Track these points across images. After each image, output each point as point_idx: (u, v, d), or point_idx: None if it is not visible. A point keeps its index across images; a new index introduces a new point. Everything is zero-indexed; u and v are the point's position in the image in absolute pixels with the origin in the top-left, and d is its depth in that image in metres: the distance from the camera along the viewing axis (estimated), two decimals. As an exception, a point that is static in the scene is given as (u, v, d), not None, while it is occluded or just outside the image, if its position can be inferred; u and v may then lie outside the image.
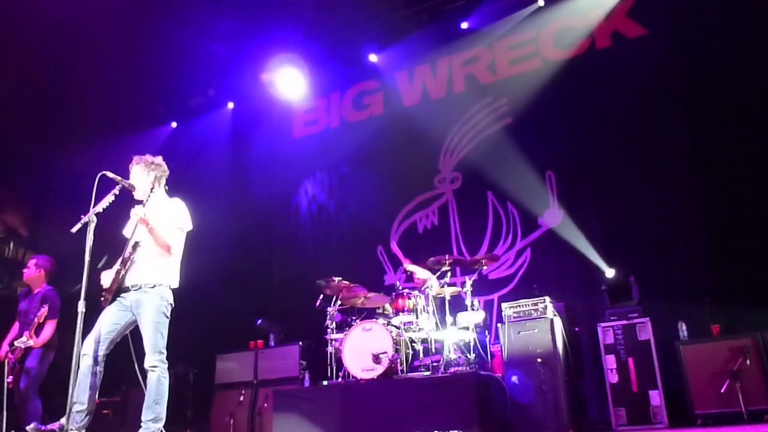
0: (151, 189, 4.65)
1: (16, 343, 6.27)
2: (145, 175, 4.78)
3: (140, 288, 4.55)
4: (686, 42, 7.10)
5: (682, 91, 7.09)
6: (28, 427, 4.27)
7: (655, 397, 5.70)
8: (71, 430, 4.15)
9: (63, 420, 4.12)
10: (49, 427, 4.28)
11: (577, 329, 6.73)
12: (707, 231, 6.67)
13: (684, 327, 6.03)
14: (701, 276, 6.58)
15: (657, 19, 7.41)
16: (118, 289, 4.57)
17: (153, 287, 4.55)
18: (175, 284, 4.73)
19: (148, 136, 9.86)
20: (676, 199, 6.90)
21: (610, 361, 5.99)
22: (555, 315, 6.17)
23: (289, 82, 9.40)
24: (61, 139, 8.37)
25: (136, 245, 4.59)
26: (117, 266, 4.58)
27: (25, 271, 6.65)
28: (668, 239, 6.84)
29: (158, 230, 4.56)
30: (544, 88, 7.89)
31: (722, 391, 5.47)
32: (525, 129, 7.93)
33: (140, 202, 4.64)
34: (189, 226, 4.81)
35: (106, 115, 8.68)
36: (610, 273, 6.79)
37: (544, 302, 6.17)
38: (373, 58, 9.19)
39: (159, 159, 4.92)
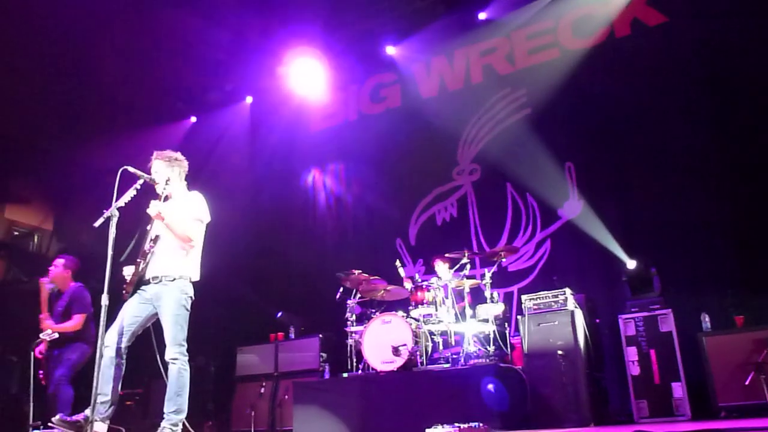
0: (167, 182, 4.69)
1: (41, 335, 6.36)
2: (170, 170, 4.82)
3: (160, 281, 4.59)
4: (708, 29, 6.97)
5: (705, 80, 6.98)
6: (53, 419, 4.34)
7: (678, 390, 5.65)
8: (95, 421, 4.21)
9: (87, 411, 4.18)
10: (74, 418, 4.34)
11: (597, 321, 6.69)
12: (731, 221, 6.58)
13: (707, 318, 5.96)
14: (725, 266, 6.49)
15: (678, 6, 7.30)
16: (139, 281, 4.62)
17: (173, 280, 4.59)
18: (196, 277, 4.76)
19: (168, 131, 9.93)
20: (698, 189, 6.81)
21: (631, 353, 5.94)
22: (575, 307, 6.13)
23: (306, 75, 9.41)
24: (84, 135, 8.45)
25: (156, 238, 4.63)
26: (138, 259, 4.63)
27: (51, 269, 6.70)
28: (691, 230, 6.74)
29: (175, 225, 4.60)
30: (563, 78, 7.81)
31: (746, 383, 5.41)
32: (544, 120, 7.87)
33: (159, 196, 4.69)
34: (208, 217, 4.84)
35: (126, 110, 8.75)
36: (631, 264, 6.73)
37: (565, 294, 6.13)
38: (390, 50, 9.17)
39: (179, 155, 4.96)
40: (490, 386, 5.50)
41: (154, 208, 4.54)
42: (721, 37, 6.86)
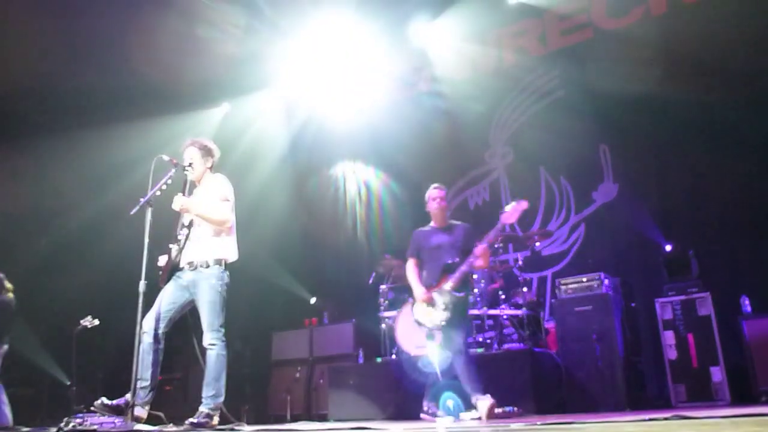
0: (189, 164, 4.74)
1: (82, 322, 6.50)
2: (204, 161, 4.88)
3: (196, 267, 4.66)
4: (750, 5, 6.74)
5: (745, 58, 6.77)
6: (95, 403, 4.44)
7: (717, 374, 5.56)
8: (136, 405, 4.30)
9: (128, 396, 4.28)
10: (116, 402, 4.44)
11: (633, 305, 6.61)
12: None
13: (747, 301, 5.85)
14: (764, 248, 6.34)
15: (716, -18, 7.08)
16: (174, 267, 4.69)
17: (208, 267, 4.65)
18: (233, 258, 4.81)
19: (202, 117, 10.01)
20: (738, 170, 6.62)
21: (668, 337, 5.86)
22: (611, 291, 6.07)
23: (337, 60, 9.40)
24: (118, 122, 8.56)
25: (190, 224, 4.70)
26: (170, 245, 4.71)
27: None
28: (729, 211, 6.60)
29: (205, 213, 4.66)
30: (596, 59, 7.66)
31: (788, 367, 5.30)
32: (577, 102, 7.74)
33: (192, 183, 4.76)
34: (233, 197, 4.88)
35: (160, 97, 8.84)
36: (668, 247, 6.62)
37: (599, 278, 6.07)
38: (421, 33, 9.08)
39: (212, 143, 5.01)
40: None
41: (177, 202, 4.60)
42: (764, 13, 6.63)
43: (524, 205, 5.19)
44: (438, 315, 5.15)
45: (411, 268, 5.54)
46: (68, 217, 9.11)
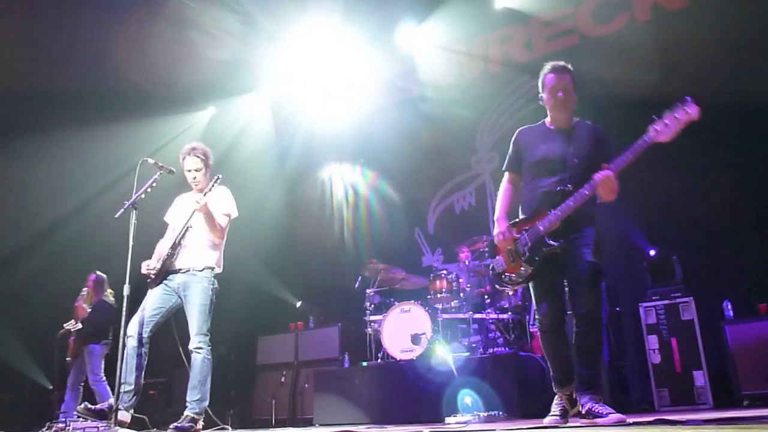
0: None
1: (65, 326, 6.45)
2: (203, 166, 4.85)
3: (188, 271, 4.66)
4: (733, 13, 6.81)
5: (729, 66, 6.83)
6: (78, 408, 4.42)
7: (700, 378, 5.61)
8: (120, 409, 4.27)
9: (111, 400, 4.25)
10: (99, 407, 4.41)
11: (618, 309, 6.65)
12: (753, 207, 6.49)
13: (729, 306, 5.90)
14: (747, 253, 6.41)
15: (700, -10, 7.16)
16: (166, 271, 4.68)
17: (201, 270, 4.67)
18: (219, 270, 4.82)
19: (188, 120, 9.97)
20: (720, 176, 6.69)
21: (652, 342, 5.90)
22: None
23: (325, 65, 9.40)
24: (103, 124, 8.51)
25: (187, 230, 4.68)
26: (167, 249, 4.68)
27: None
28: (712, 216, 6.65)
29: (214, 217, 4.67)
30: (582, 65, 7.68)
31: (769, 371, 5.35)
32: (563, 107, 7.77)
33: (188, 188, 4.81)
34: (236, 212, 4.90)
35: (145, 100, 8.79)
36: (651, 252, 6.67)
37: (584, 282, 6.07)
38: (407, 38, 9.11)
39: (209, 151, 4.97)
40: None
41: (199, 200, 4.53)
42: (748, 20, 6.70)
43: (694, 111, 3.52)
44: (517, 268, 3.56)
45: (502, 190, 3.98)
46: (52, 220, 9.04)
